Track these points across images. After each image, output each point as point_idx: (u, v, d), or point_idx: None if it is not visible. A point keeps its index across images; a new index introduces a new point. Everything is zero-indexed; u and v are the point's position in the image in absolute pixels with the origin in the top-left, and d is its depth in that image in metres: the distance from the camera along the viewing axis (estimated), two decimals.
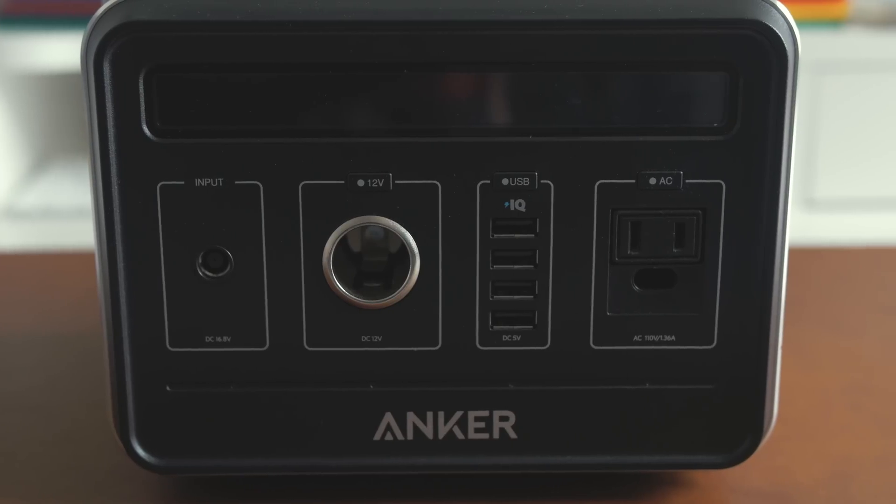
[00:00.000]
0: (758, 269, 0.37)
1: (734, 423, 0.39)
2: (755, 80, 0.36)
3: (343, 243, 0.37)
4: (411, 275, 0.37)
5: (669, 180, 0.36)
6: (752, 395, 0.38)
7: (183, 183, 0.36)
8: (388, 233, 0.37)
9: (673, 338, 0.38)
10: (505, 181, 0.36)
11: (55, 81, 1.48)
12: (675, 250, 0.37)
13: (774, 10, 0.35)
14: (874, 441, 0.45)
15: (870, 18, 1.55)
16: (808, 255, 0.74)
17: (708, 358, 0.38)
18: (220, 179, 0.36)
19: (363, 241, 0.38)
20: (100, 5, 0.36)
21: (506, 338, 0.38)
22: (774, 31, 0.35)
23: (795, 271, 0.67)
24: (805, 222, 1.48)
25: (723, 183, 0.36)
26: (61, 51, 1.34)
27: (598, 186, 0.36)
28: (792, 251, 0.72)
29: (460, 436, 0.39)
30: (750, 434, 0.39)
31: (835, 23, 1.45)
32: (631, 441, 0.39)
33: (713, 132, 0.36)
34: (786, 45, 0.35)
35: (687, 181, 0.36)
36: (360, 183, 0.36)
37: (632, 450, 0.39)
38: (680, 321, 0.38)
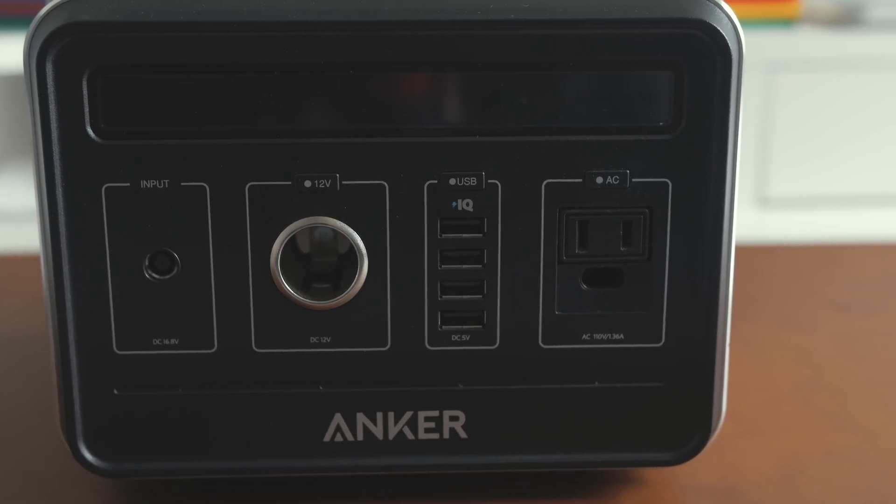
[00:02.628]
0: (705, 267, 0.37)
1: (683, 421, 0.39)
2: (700, 79, 0.36)
3: (292, 244, 0.37)
4: (359, 275, 0.37)
5: (616, 179, 0.37)
6: (700, 392, 0.38)
7: (128, 185, 0.36)
8: (337, 234, 0.37)
9: (621, 336, 0.38)
10: (452, 181, 0.36)
11: (7, 83, 1.46)
12: (622, 249, 0.37)
13: (718, 10, 0.36)
14: (823, 437, 0.45)
15: (821, 18, 1.56)
16: (760, 253, 0.74)
17: (656, 356, 0.38)
18: (166, 181, 0.36)
19: (312, 241, 0.38)
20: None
21: (455, 338, 0.38)
22: (718, 31, 0.35)
23: (748, 269, 0.68)
24: (759, 220, 1.49)
25: (669, 181, 0.37)
26: (13, 52, 1.33)
27: (546, 186, 0.36)
28: (745, 249, 0.73)
29: (410, 436, 0.39)
30: (698, 431, 0.39)
31: (787, 22, 1.47)
32: (581, 439, 0.39)
33: (659, 131, 0.36)
34: (730, 45, 0.35)
35: (633, 180, 0.37)
36: (308, 184, 0.36)
37: (582, 448, 0.39)
38: (628, 319, 0.38)
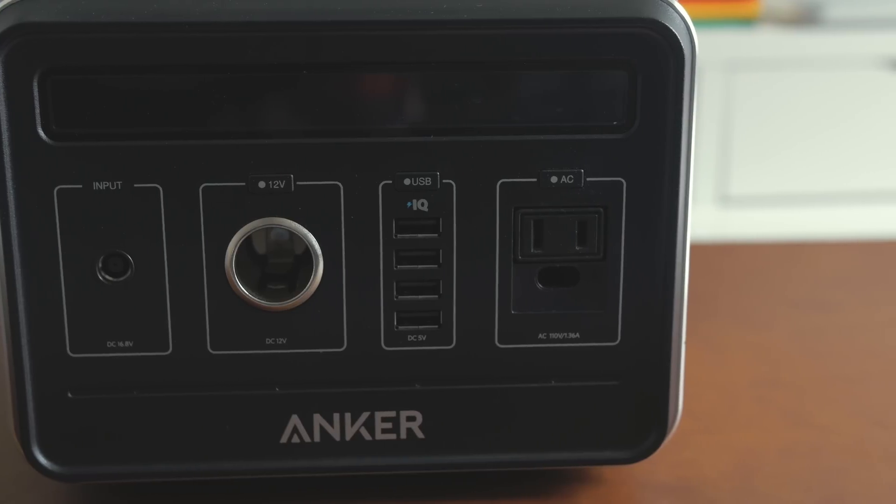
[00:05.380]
0: (659, 266, 0.38)
1: (639, 419, 0.39)
2: (653, 79, 0.36)
3: (248, 246, 0.37)
4: (315, 276, 0.37)
5: (571, 178, 0.37)
6: (656, 390, 0.39)
7: (80, 186, 0.36)
8: (293, 235, 0.37)
9: (577, 335, 0.38)
10: (407, 181, 0.36)
11: None
12: (577, 248, 0.37)
13: (671, 9, 0.36)
14: (779, 433, 0.45)
15: (780, 17, 1.57)
16: (720, 251, 0.75)
17: (612, 355, 0.38)
18: (119, 182, 0.36)
19: (268, 243, 0.38)
20: None
21: (411, 338, 0.38)
22: (671, 30, 0.35)
23: (708, 267, 0.68)
24: (720, 219, 1.50)
25: (623, 181, 0.37)
26: None
27: (500, 185, 0.37)
28: (705, 247, 0.73)
29: (367, 437, 0.38)
30: (655, 429, 0.39)
31: (746, 22, 1.48)
32: (538, 438, 0.39)
33: (613, 130, 0.36)
34: (682, 44, 0.36)
35: (588, 179, 0.37)
36: (262, 184, 0.36)
37: (539, 447, 0.39)
38: (584, 318, 0.38)
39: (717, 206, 1.52)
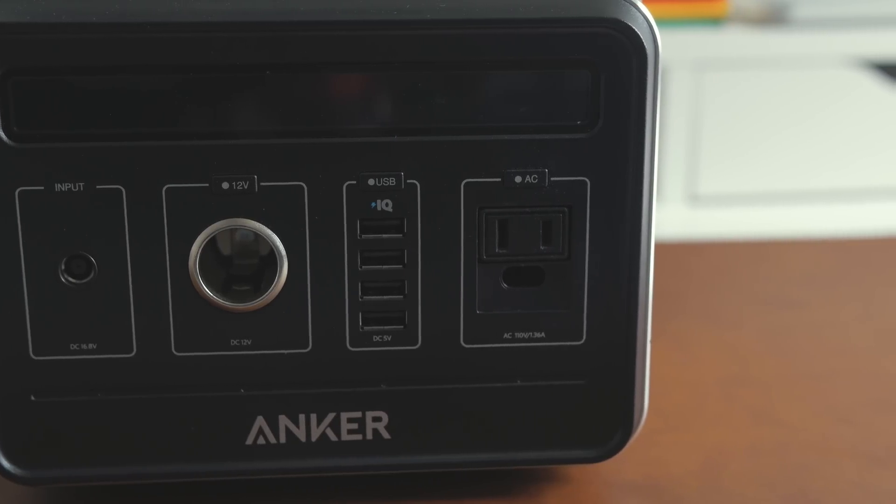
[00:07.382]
0: (624, 265, 0.38)
1: (605, 418, 0.39)
2: (616, 78, 0.36)
3: (213, 247, 0.37)
4: (279, 277, 0.37)
5: (535, 178, 0.37)
6: (621, 389, 0.39)
7: (42, 188, 0.35)
8: (258, 235, 0.37)
9: (542, 335, 0.38)
10: (371, 181, 0.36)
11: None
12: (542, 247, 0.37)
13: (634, 9, 0.36)
14: (746, 431, 0.46)
15: (748, 17, 1.58)
16: (689, 250, 0.75)
17: (577, 354, 0.38)
18: (81, 184, 0.35)
19: (233, 243, 0.38)
20: None
21: (376, 338, 0.38)
22: (633, 30, 0.36)
23: (678, 266, 0.68)
24: (689, 218, 1.50)
25: (587, 180, 0.37)
26: None
27: (465, 185, 0.37)
28: (674, 246, 0.73)
29: (333, 437, 0.38)
30: (620, 428, 0.39)
31: (715, 21, 1.48)
32: (504, 438, 0.39)
33: (577, 130, 0.36)
34: (645, 44, 0.36)
35: (552, 179, 0.37)
36: (225, 185, 0.36)
37: (505, 447, 0.39)
38: (549, 318, 0.38)
39: (686, 205, 1.53)
